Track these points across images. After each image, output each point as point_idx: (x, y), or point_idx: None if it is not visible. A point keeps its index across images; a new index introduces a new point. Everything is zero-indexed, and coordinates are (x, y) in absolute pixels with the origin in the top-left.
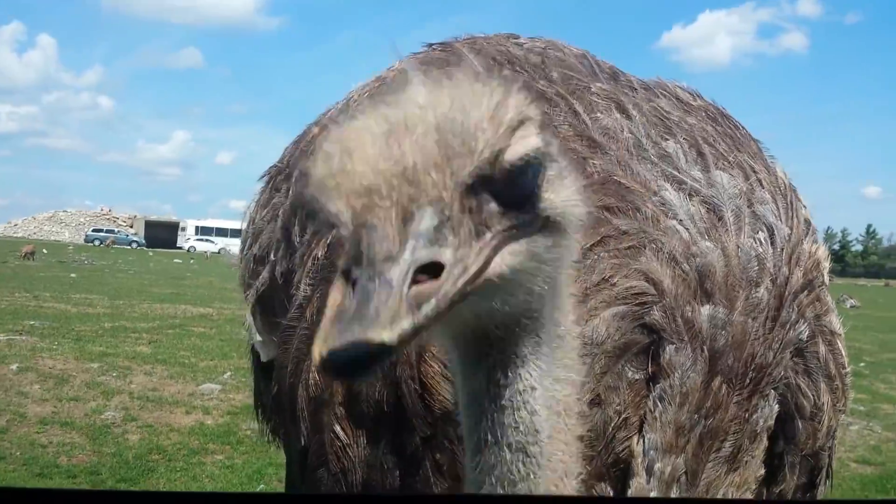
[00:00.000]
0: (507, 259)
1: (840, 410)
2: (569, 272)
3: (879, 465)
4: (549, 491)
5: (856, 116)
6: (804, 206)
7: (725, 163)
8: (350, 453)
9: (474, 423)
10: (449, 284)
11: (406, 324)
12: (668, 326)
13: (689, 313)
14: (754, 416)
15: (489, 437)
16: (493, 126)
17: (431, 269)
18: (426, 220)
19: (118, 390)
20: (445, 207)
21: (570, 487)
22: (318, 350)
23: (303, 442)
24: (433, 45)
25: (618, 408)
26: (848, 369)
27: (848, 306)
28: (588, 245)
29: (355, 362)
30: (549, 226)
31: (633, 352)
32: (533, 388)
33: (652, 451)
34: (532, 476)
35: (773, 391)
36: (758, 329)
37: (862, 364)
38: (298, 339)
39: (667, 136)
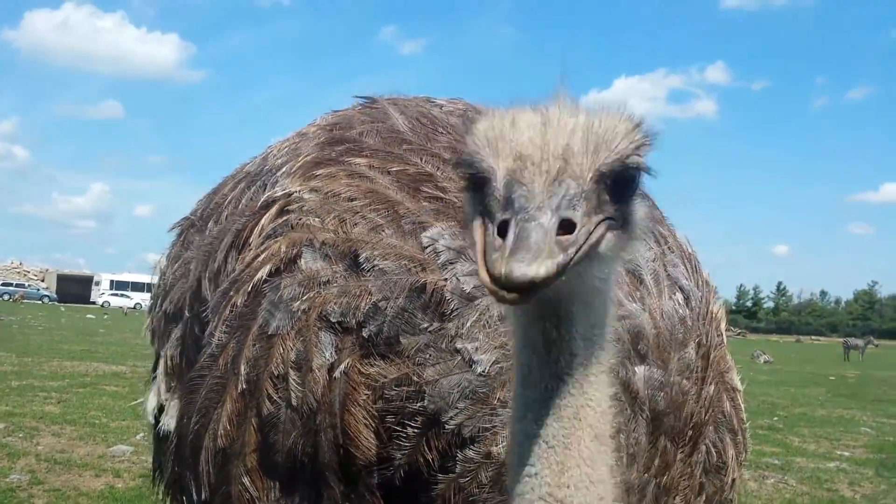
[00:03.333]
0: (607, 238)
1: (742, 463)
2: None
3: None
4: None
5: (763, 180)
6: (705, 269)
7: None
8: None
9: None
10: (582, 239)
11: (562, 258)
12: None
13: (625, 374)
14: (696, 472)
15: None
16: (628, 139)
17: (565, 226)
18: (571, 188)
19: (24, 452)
20: (583, 183)
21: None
22: (501, 270)
23: (203, 496)
24: (359, 97)
25: None
26: (747, 424)
27: (762, 361)
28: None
29: (528, 285)
30: (626, 229)
31: None
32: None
33: None
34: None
35: (703, 447)
36: (690, 388)
37: (776, 418)
38: (208, 387)
39: None
